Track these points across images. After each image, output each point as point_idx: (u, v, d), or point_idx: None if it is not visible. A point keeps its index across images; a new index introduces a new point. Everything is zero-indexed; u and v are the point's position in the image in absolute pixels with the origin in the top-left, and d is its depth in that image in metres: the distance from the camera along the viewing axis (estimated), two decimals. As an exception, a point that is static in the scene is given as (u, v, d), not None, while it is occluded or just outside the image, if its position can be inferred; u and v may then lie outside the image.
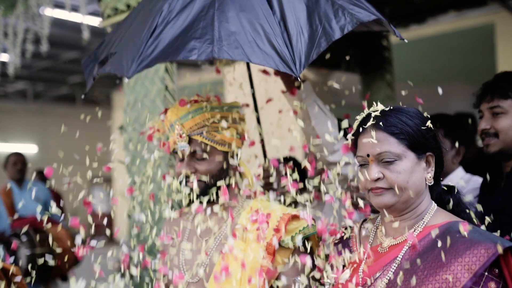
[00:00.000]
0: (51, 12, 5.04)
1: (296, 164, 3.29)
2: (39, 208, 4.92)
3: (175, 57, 1.56)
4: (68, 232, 4.80)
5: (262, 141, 2.23)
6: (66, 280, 4.98)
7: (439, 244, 1.42)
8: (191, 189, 1.84)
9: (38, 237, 4.42)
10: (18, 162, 5.04)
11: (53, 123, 17.68)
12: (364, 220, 1.73)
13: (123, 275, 2.68)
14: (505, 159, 2.13)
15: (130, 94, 2.70)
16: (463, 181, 2.46)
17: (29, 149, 16.39)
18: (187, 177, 1.84)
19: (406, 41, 1.73)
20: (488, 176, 2.25)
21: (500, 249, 1.34)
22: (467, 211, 1.59)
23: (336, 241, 1.72)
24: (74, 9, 6.81)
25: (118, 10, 2.74)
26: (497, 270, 1.38)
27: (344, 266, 1.64)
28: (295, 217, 1.79)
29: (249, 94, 1.97)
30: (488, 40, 8.82)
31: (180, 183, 1.88)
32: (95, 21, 8.34)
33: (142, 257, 2.64)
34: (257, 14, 1.63)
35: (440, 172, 1.58)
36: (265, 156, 2.23)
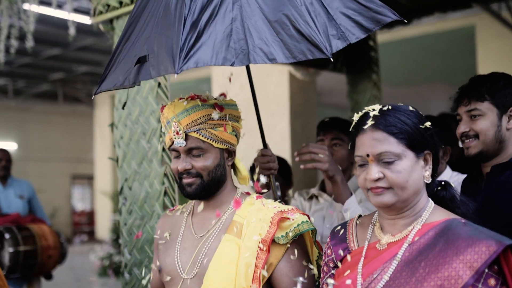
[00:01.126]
0: (36, 8, 4.98)
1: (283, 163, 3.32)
2: (22, 205, 4.91)
3: (217, 63, 1.56)
4: (51, 229, 4.78)
5: (261, 131, 2.26)
6: (50, 278, 4.94)
7: (440, 241, 1.45)
8: (188, 185, 1.85)
9: (21, 235, 4.39)
10: (2, 159, 4.98)
11: (34, 120, 17.51)
12: (359, 217, 1.75)
13: (122, 275, 2.68)
14: (485, 160, 2.17)
15: (122, 92, 2.70)
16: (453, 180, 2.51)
17: (8, 146, 16.21)
18: (183, 173, 1.85)
19: (406, 21, 1.76)
20: (467, 176, 2.30)
21: (504, 245, 1.37)
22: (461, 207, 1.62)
23: (332, 239, 1.73)
24: (58, 5, 6.75)
25: (110, 6, 2.74)
26: (496, 267, 1.41)
27: (336, 267, 1.66)
28: (289, 214, 1.81)
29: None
30: (468, 42, 8.94)
31: (177, 179, 1.89)
32: (80, 18, 8.28)
33: (130, 257, 2.65)
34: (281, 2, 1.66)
35: (436, 170, 1.61)
36: (264, 143, 2.26)
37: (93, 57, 12.24)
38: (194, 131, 1.82)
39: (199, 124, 1.82)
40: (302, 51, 1.61)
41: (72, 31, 4.66)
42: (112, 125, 2.81)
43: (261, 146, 2.33)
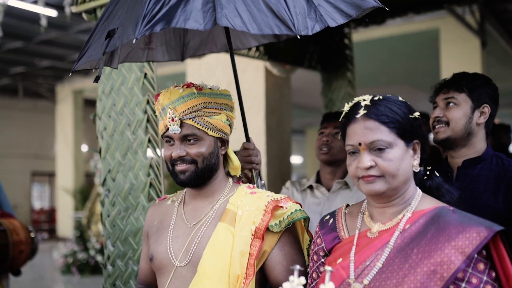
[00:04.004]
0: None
1: None
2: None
3: (183, 25, 1.57)
4: (22, 224, 4.67)
5: (244, 124, 2.26)
6: (19, 274, 4.83)
7: (431, 228, 1.50)
8: (181, 172, 1.86)
9: (-9, 230, 4.27)
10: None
11: (-7, 115, 17.04)
12: (347, 206, 1.79)
13: (105, 267, 2.66)
14: (450, 148, 2.30)
15: (106, 82, 2.67)
16: None
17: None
18: (177, 160, 1.86)
19: (387, 9, 1.81)
20: (434, 167, 2.39)
21: (494, 230, 1.42)
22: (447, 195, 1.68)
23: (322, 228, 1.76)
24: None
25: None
26: (484, 252, 1.46)
27: (326, 255, 1.69)
28: (282, 203, 1.84)
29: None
30: (432, 44, 9.14)
31: (170, 166, 1.89)
32: (44, 11, 8.12)
33: (113, 249, 2.63)
34: None
35: (424, 159, 1.66)
36: (247, 137, 2.26)
37: (56, 51, 12.01)
38: (190, 118, 1.83)
39: (195, 112, 1.83)
40: (270, 26, 1.64)
41: (44, 22, 4.57)
42: (95, 116, 2.78)
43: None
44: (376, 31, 8.55)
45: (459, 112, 2.23)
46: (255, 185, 2.30)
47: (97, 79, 1.76)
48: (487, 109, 2.26)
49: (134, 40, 1.54)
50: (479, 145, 2.28)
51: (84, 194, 13.23)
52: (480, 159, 2.25)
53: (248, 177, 2.25)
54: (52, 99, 15.94)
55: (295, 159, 25.67)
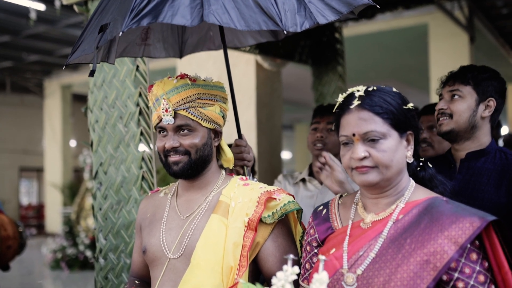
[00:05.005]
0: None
1: None
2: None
3: (169, 20, 1.58)
4: (10, 219, 4.64)
5: (237, 121, 2.26)
6: (8, 269, 4.81)
7: (424, 218, 1.50)
8: (174, 163, 1.86)
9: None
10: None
11: (-20, 110, 16.89)
12: (341, 197, 1.79)
13: (97, 260, 2.65)
14: (454, 140, 2.29)
15: (98, 75, 2.66)
16: None
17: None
18: (170, 151, 1.86)
19: (378, 6, 1.82)
20: (437, 158, 2.40)
21: (486, 221, 1.43)
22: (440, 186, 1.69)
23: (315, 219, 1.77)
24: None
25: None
26: (477, 242, 1.48)
27: (320, 246, 1.70)
28: (275, 194, 1.85)
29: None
30: (421, 40, 9.18)
31: (163, 158, 1.89)
32: (33, 4, 8.06)
33: (105, 242, 2.62)
34: None
35: (417, 150, 1.66)
36: (239, 133, 2.26)
37: (44, 46, 11.92)
38: (183, 109, 1.83)
39: (189, 103, 1.83)
40: (257, 22, 1.64)
41: (33, 15, 4.53)
42: (86, 108, 2.77)
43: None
44: (365, 26, 8.57)
45: (463, 105, 2.21)
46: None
47: (92, 73, 1.76)
48: (492, 102, 2.23)
49: (121, 33, 1.55)
50: (483, 138, 2.26)
51: (72, 189, 13.18)
52: (484, 152, 2.24)
53: (239, 174, 2.24)
54: (40, 94, 15.83)
55: (285, 155, 25.71)
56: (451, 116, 2.24)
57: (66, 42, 11.40)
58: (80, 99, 16.47)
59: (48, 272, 9.93)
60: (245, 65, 5.34)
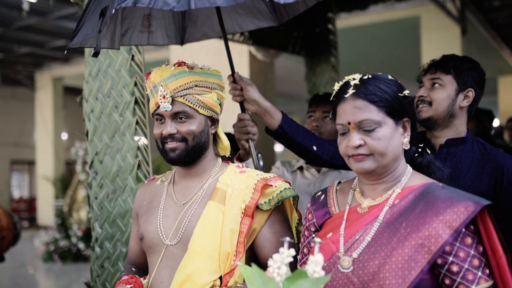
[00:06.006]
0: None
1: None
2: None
3: (156, 6, 1.61)
4: (4, 210, 4.64)
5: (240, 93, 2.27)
6: (2, 260, 4.81)
7: (420, 203, 1.53)
8: (171, 150, 1.87)
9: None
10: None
11: (-31, 102, 16.77)
12: (339, 183, 1.81)
13: (92, 249, 2.66)
14: (432, 127, 2.33)
15: (93, 64, 2.66)
16: None
17: None
18: (167, 138, 1.88)
19: None
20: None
21: (481, 205, 1.46)
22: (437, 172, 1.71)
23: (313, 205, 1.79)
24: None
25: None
26: (472, 226, 1.50)
27: (317, 230, 1.72)
28: (272, 181, 1.87)
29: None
30: (413, 32, 9.20)
31: (160, 144, 1.90)
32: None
33: (101, 231, 2.63)
34: None
35: (414, 137, 1.69)
36: (242, 108, 2.27)
37: (36, 38, 11.83)
38: (181, 96, 1.84)
39: (186, 90, 1.85)
40: None
41: (26, 6, 4.52)
42: (81, 98, 2.77)
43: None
44: (357, 18, 8.58)
45: (443, 94, 2.25)
46: (251, 159, 2.30)
47: (96, 55, 1.76)
48: (471, 93, 2.27)
49: (113, 11, 1.57)
50: (460, 127, 2.30)
51: (64, 182, 13.15)
52: (464, 140, 2.29)
53: (245, 148, 2.27)
54: (31, 86, 15.72)
55: (276, 147, 25.69)
56: (430, 103, 2.28)
57: (58, 34, 11.32)
58: (71, 92, 16.38)
59: (41, 264, 9.92)
60: (239, 56, 5.35)
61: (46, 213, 14.78)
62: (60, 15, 10.02)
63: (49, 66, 14.75)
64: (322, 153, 2.31)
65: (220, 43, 4.69)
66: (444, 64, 2.29)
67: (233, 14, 2.54)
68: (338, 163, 2.33)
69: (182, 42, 2.58)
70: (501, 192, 2.16)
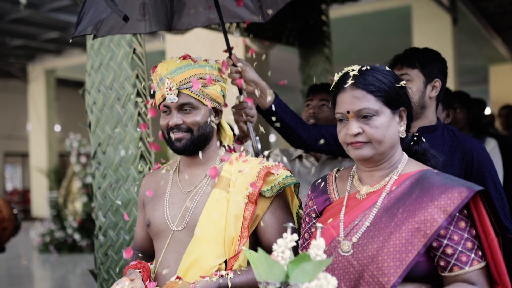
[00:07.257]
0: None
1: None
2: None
3: None
4: (5, 201, 4.69)
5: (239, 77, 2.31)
6: (3, 251, 4.87)
7: (416, 189, 1.60)
8: (177, 140, 1.95)
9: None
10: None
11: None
12: (338, 170, 1.88)
13: (96, 238, 2.73)
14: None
15: (95, 57, 2.72)
16: None
17: None
18: (173, 128, 1.95)
19: None
20: None
21: (474, 191, 1.53)
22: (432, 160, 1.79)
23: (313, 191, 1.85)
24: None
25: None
26: (465, 211, 1.57)
27: (318, 216, 1.79)
28: (274, 169, 1.95)
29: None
30: (404, 21, 9.24)
31: (166, 135, 1.97)
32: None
33: (104, 219, 2.70)
34: None
35: (410, 126, 1.76)
36: (240, 92, 2.30)
37: (28, 30, 11.78)
38: (186, 88, 1.92)
39: (191, 82, 1.92)
40: None
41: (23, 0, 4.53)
42: (83, 91, 2.83)
43: None
44: (348, 8, 8.59)
45: (413, 88, 2.29)
46: (250, 142, 2.34)
47: (126, 19, 1.76)
48: (438, 83, 2.32)
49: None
50: (431, 116, 2.35)
51: (58, 174, 13.14)
52: (435, 127, 2.34)
53: (243, 130, 2.30)
54: (24, 78, 15.65)
55: (271, 137, 25.73)
56: None
57: (50, 26, 11.28)
58: (64, 84, 16.33)
59: (37, 255, 9.96)
60: (234, 48, 5.37)
61: (40, 204, 14.78)
62: (52, 7, 9.99)
63: (42, 58, 14.69)
64: (306, 137, 2.37)
65: (215, 34, 4.72)
66: (409, 59, 2.32)
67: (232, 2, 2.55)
68: (319, 147, 2.41)
69: (170, 28, 2.54)
70: (472, 175, 2.21)
